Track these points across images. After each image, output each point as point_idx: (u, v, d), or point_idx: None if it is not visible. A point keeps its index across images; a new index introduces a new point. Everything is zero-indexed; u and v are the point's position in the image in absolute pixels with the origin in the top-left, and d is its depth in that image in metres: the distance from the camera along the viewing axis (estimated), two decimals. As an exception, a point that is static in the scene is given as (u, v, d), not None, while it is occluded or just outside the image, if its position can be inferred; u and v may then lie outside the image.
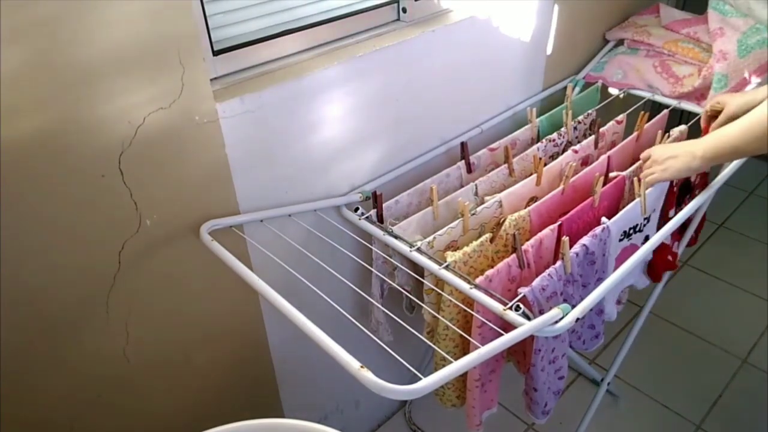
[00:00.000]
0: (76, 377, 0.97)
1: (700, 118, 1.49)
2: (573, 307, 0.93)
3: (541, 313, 0.95)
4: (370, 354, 0.86)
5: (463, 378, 1.18)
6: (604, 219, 1.13)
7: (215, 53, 0.99)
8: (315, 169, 1.16)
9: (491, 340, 0.84)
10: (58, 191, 0.83)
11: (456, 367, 0.75)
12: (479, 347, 0.80)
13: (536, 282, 1.00)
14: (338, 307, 0.86)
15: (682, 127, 1.43)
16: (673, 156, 1.15)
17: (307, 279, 0.94)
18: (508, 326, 0.92)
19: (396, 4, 1.25)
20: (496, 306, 0.94)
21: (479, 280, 0.99)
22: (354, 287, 1.00)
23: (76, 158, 0.82)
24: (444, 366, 0.76)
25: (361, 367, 0.73)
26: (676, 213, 1.36)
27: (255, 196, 1.07)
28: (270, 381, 1.31)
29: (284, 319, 0.82)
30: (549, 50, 1.58)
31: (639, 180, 1.19)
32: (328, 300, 0.89)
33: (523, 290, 0.97)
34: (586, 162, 1.40)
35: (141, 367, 1.04)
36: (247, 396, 1.28)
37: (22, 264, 0.84)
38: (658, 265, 1.43)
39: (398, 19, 1.27)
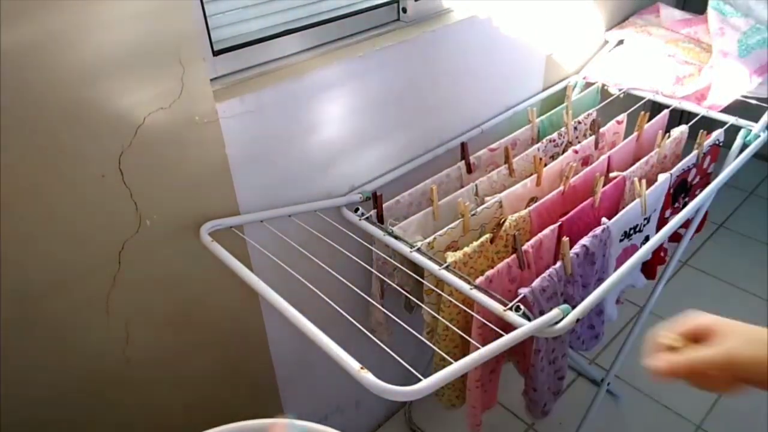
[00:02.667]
0: (75, 377, 0.97)
1: (700, 119, 1.49)
2: (573, 307, 0.93)
3: (542, 313, 0.95)
4: (370, 354, 0.86)
5: (463, 378, 1.18)
6: (604, 219, 1.13)
7: (215, 53, 0.99)
8: (315, 169, 1.15)
9: (491, 340, 0.84)
10: (58, 191, 0.82)
11: (456, 368, 0.75)
12: (479, 348, 0.80)
13: (536, 283, 1.00)
14: (338, 308, 0.86)
15: (683, 127, 1.43)
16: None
17: (306, 279, 0.94)
18: (508, 327, 0.92)
19: (396, 4, 1.24)
20: (497, 306, 0.94)
21: (479, 280, 0.99)
22: (354, 287, 1.00)
23: (76, 158, 0.82)
24: (444, 366, 0.76)
25: (361, 368, 0.73)
26: (671, 214, 1.36)
27: (255, 196, 1.07)
28: (270, 381, 1.31)
29: (284, 319, 0.82)
30: (549, 50, 1.58)
31: (639, 180, 1.19)
32: (328, 301, 0.88)
33: (523, 291, 0.97)
34: (586, 162, 1.39)
35: (141, 367, 1.04)
36: (247, 396, 1.28)
37: (22, 264, 0.83)
38: (651, 261, 1.43)
39: (398, 19, 1.27)
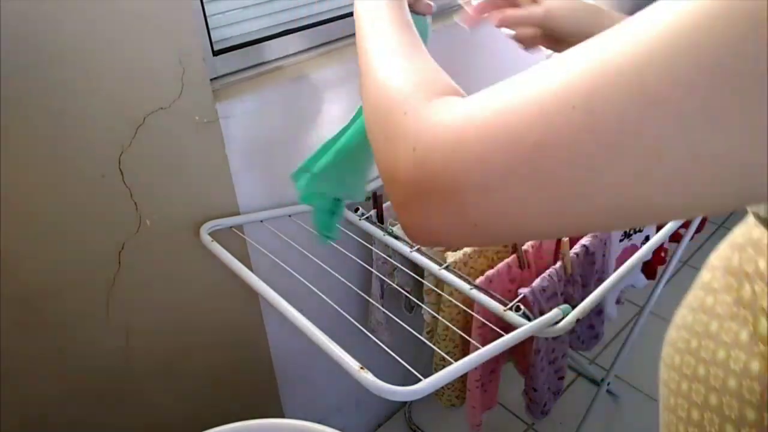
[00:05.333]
0: (75, 377, 0.97)
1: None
2: (573, 307, 0.93)
3: (542, 313, 0.95)
4: (371, 354, 0.86)
5: (463, 378, 1.18)
6: None
7: (215, 53, 0.99)
8: (315, 169, 1.15)
9: (491, 340, 0.84)
10: (58, 191, 0.82)
11: (456, 368, 0.75)
12: (479, 348, 0.80)
13: (536, 283, 1.00)
14: (338, 308, 0.86)
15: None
16: None
17: (306, 279, 0.94)
18: (508, 327, 0.92)
19: (396, 4, 1.24)
20: (497, 306, 0.94)
21: (479, 280, 0.99)
22: (354, 288, 1.00)
23: (76, 158, 0.82)
24: (444, 366, 0.76)
25: (361, 368, 0.73)
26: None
27: (255, 195, 1.07)
28: (270, 381, 1.31)
29: (284, 319, 0.82)
30: (549, 50, 1.58)
31: None
32: (328, 300, 0.88)
33: (523, 291, 0.97)
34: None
35: (141, 367, 1.04)
36: (247, 396, 1.28)
37: (22, 264, 0.83)
38: (652, 262, 1.43)
39: (398, 19, 1.27)
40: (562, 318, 0.90)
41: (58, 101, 0.78)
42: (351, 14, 1.17)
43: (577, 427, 1.54)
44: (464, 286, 0.99)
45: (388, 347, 0.84)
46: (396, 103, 0.37)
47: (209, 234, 0.98)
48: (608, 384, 1.52)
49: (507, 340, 0.83)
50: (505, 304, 0.93)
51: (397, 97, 0.38)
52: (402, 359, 0.79)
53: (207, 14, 0.95)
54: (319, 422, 0.88)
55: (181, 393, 1.14)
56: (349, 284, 0.99)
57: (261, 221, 1.07)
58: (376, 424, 1.72)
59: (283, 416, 1.38)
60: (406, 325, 0.89)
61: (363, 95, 0.44)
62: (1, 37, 0.70)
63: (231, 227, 1.03)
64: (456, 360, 0.77)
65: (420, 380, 0.73)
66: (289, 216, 1.11)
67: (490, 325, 0.98)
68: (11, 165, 0.77)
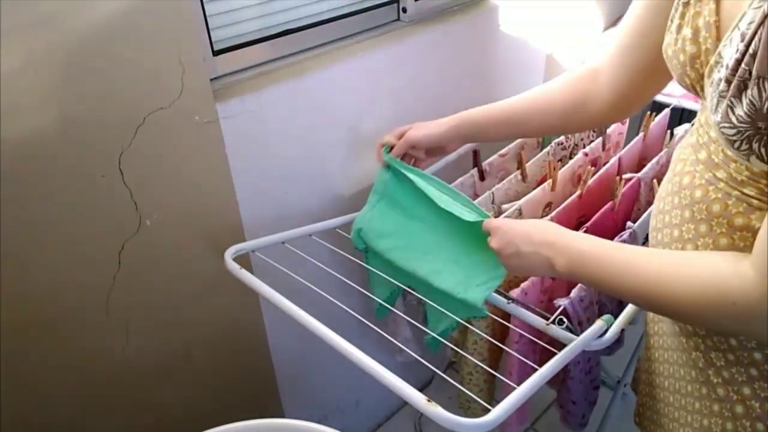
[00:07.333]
0: (75, 377, 0.97)
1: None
2: (609, 314, 0.89)
3: (580, 324, 0.92)
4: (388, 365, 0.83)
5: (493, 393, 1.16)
6: (629, 224, 1.09)
7: (215, 53, 0.99)
8: (315, 169, 1.15)
9: (526, 353, 0.79)
10: (58, 191, 0.82)
11: (522, 392, 0.71)
12: (516, 357, 0.76)
13: (574, 293, 0.95)
14: (371, 324, 0.83)
15: (687, 126, 1.41)
16: (521, 254, 0.76)
17: (314, 292, 0.91)
18: (532, 331, 0.88)
19: (396, 4, 1.24)
20: (538, 321, 0.88)
21: (515, 293, 0.95)
22: (375, 298, 0.96)
23: (76, 158, 0.82)
24: (471, 380, 0.71)
25: (428, 400, 0.69)
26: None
27: (255, 195, 1.07)
28: (270, 381, 1.31)
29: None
30: (549, 50, 1.58)
31: (659, 182, 1.17)
32: (355, 314, 0.85)
33: (561, 302, 0.92)
34: (594, 164, 1.38)
35: (141, 367, 1.04)
36: (247, 396, 1.27)
37: (22, 264, 0.83)
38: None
39: (398, 19, 1.27)
40: (607, 329, 0.86)
41: (58, 101, 0.78)
42: (350, 14, 1.17)
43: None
44: (501, 300, 0.94)
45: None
46: (725, 293, 0.56)
47: (233, 259, 0.93)
48: (625, 386, 1.48)
49: (561, 358, 0.78)
50: (545, 318, 0.89)
51: (723, 289, 0.57)
52: (413, 376, 0.77)
53: (207, 14, 0.95)
54: (319, 422, 0.87)
55: (180, 393, 1.14)
56: (378, 300, 0.96)
57: (283, 243, 1.01)
58: (376, 425, 1.72)
59: (283, 416, 1.38)
60: (425, 328, 0.85)
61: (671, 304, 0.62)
62: (2, 38, 0.70)
63: (254, 251, 0.98)
64: (483, 374, 0.72)
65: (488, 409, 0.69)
66: (310, 236, 1.06)
67: (534, 339, 0.92)
68: (11, 165, 0.77)
